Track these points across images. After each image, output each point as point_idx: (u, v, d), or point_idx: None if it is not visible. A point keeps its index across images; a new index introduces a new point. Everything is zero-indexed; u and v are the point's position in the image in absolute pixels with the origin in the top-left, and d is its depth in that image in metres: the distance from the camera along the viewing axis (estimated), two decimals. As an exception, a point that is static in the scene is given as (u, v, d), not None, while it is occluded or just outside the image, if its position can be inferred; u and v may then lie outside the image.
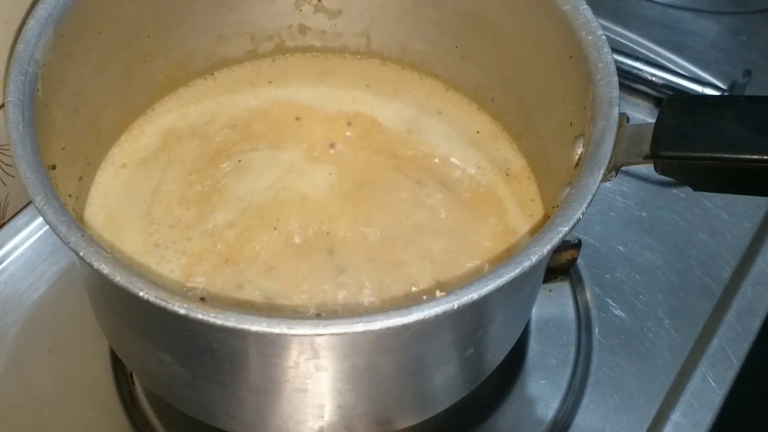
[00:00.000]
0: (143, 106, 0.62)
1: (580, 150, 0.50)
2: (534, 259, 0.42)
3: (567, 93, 0.53)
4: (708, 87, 0.76)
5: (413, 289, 0.54)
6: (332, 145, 0.61)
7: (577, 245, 0.66)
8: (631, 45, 0.83)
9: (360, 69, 0.66)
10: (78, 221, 0.46)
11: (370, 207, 0.58)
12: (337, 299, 0.53)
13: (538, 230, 0.44)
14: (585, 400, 0.61)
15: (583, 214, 0.43)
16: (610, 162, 0.46)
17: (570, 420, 0.60)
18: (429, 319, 0.40)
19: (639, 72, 0.77)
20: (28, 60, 0.48)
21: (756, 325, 0.64)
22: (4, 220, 0.68)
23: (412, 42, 0.64)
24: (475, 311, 0.46)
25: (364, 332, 0.39)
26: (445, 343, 0.48)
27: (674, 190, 0.72)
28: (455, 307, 0.40)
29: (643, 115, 0.77)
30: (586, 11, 0.52)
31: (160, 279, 0.54)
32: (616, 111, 0.47)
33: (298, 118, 0.63)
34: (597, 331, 0.64)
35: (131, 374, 0.60)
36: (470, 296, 0.40)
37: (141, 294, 0.40)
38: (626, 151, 0.48)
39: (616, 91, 0.48)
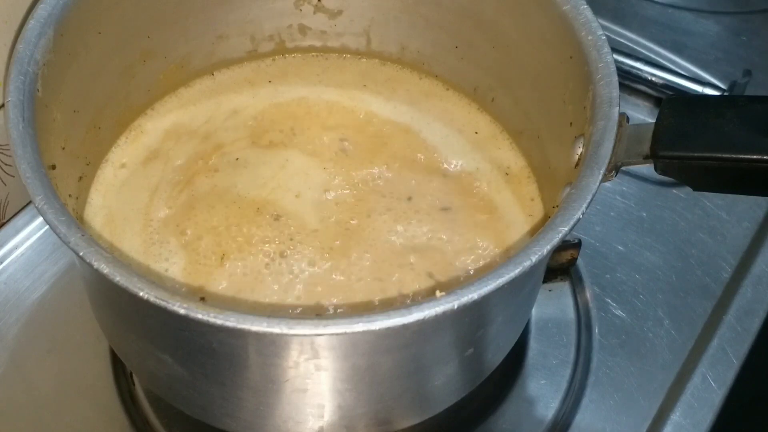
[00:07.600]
0: (143, 106, 0.62)
1: (580, 150, 0.50)
2: (534, 259, 0.42)
3: (567, 93, 0.53)
4: (708, 87, 0.76)
5: (412, 288, 0.54)
6: (330, 145, 0.61)
7: (577, 245, 0.66)
8: (631, 45, 0.83)
9: (360, 69, 0.66)
10: (78, 221, 0.46)
11: (368, 206, 0.58)
12: (335, 298, 0.53)
13: (538, 230, 0.44)
14: (585, 400, 0.61)
15: (583, 214, 0.43)
16: (610, 162, 0.46)
17: (570, 420, 0.60)
18: (429, 319, 0.40)
19: (639, 72, 0.77)
20: (28, 60, 0.48)
21: (756, 325, 0.64)
22: (4, 220, 0.68)
23: (412, 42, 0.64)
24: (475, 311, 0.46)
25: (364, 332, 0.40)
26: (445, 343, 0.48)
27: (674, 190, 0.72)
28: (455, 307, 0.40)
29: (643, 115, 0.77)
30: (586, 11, 0.52)
31: (159, 279, 0.54)
32: (616, 111, 0.47)
33: (297, 118, 0.63)
34: (597, 331, 0.64)
35: (131, 374, 0.60)
36: (470, 296, 0.40)
37: (141, 294, 0.40)
38: (626, 151, 0.48)
39: (616, 91, 0.48)
